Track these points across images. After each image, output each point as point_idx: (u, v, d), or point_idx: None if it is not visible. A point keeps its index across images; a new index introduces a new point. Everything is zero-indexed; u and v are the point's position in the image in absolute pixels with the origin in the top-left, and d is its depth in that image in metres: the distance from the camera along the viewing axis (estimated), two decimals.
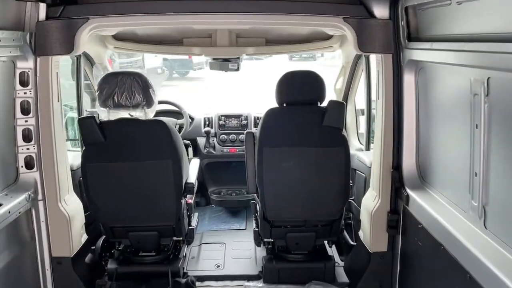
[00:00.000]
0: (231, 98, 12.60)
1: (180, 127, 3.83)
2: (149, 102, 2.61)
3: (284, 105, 2.81)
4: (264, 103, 3.58)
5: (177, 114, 3.97)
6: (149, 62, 16.88)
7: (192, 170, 3.10)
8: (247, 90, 14.02)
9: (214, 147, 4.07)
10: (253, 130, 4.06)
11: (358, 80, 3.63)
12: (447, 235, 1.96)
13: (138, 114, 2.63)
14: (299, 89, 2.76)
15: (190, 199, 3.04)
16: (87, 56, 3.35)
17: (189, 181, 2.90)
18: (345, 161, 2.75)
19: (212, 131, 4.10)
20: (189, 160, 3.80)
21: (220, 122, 4.16)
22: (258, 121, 4.08)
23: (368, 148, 3.46)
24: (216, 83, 14.63)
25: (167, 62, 18.17)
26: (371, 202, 2.73)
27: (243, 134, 4.00)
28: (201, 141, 4.08)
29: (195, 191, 2.97)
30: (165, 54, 4.30)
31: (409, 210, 2.46)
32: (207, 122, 4.15)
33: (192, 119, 4.14)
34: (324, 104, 2.81)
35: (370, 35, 2.46)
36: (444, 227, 1.99)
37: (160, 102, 3.86)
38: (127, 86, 2.53)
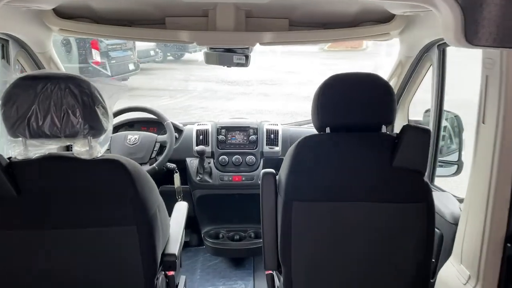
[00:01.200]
0: (231, 93, 10.49)
1: (162, 146, 2.72)
2: (96, 128, 1.45)
3: (328, 130, 1.72)
4: (278, 105, 2.44)
5: (158, 124, 2.87)
6: (141, 43, 15.70)
7: (174, 227, 1.99)
8: (252, 82, 11.46)
9: (210, 174, 2.85)
10: (266, 149, 2.92)
11: (419, 82, 2.57)
12: None
13: (77, 148, 1.53)
14: (354, 106, 1.64)
15: (172, 269, 1.98)
16: (19, 43, 2.23)
17: (168, 251, 1.81)
18: (427, 225, 1.68)
19: (208, 150, 2.86)
20: (176, 192, 2.73)
21: (219, 137, 2.92)
22: (272, 136, 2.94)
23: (431, 181, 2.43)
24: (210, 73, 12.15)
25: (161, 44, 17.04)
26: (459, 284, 1.70)
27: (252, 155, 2.91)
28: (192, 163, 2.87)
29: (178, 266, 1.90)
30: (136, 40, 3.07)
31: None
32: (200, 137, 2.91)
33: (179, 131, 2.97)
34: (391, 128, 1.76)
35: (488, 16, 1.37)
36: None
37: (134, 110, 2.77)
38: (55, 101, 1.38)
